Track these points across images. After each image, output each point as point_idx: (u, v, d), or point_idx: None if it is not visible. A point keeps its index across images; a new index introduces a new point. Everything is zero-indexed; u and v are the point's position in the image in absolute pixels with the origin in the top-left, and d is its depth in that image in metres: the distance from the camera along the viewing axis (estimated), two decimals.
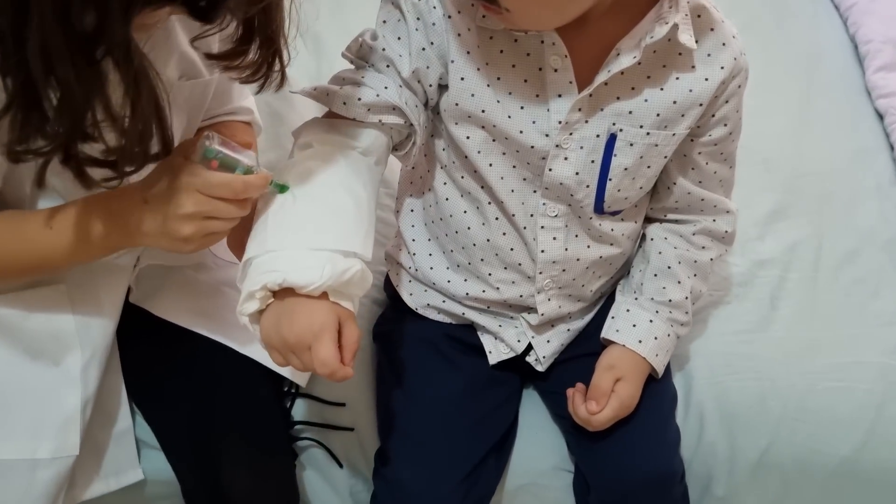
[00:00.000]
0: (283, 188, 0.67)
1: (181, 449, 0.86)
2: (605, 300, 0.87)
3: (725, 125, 0.77)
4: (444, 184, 0.79)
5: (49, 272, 0.76)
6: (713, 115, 0.75)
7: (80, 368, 0.78)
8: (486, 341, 0.85)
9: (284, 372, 0.86)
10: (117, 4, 0.49)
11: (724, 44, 0.73)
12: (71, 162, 0.60)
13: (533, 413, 0.88)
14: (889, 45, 1.25)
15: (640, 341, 0.79)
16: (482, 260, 0.80)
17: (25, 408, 0.77)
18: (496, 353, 0.84)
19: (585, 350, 0.84)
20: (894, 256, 1.00)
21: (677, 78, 0.72)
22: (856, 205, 1.06)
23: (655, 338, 0.79)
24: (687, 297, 0.81)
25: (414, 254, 0.84)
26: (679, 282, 0.81)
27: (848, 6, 1.37)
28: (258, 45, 0.65)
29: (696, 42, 0.70)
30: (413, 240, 0.84)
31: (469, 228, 0.79)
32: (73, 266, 0.76)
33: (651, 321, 0.80)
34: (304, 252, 0.63)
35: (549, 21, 0.66)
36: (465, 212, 0.79)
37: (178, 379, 0.85)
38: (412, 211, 0.84)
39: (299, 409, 0.88)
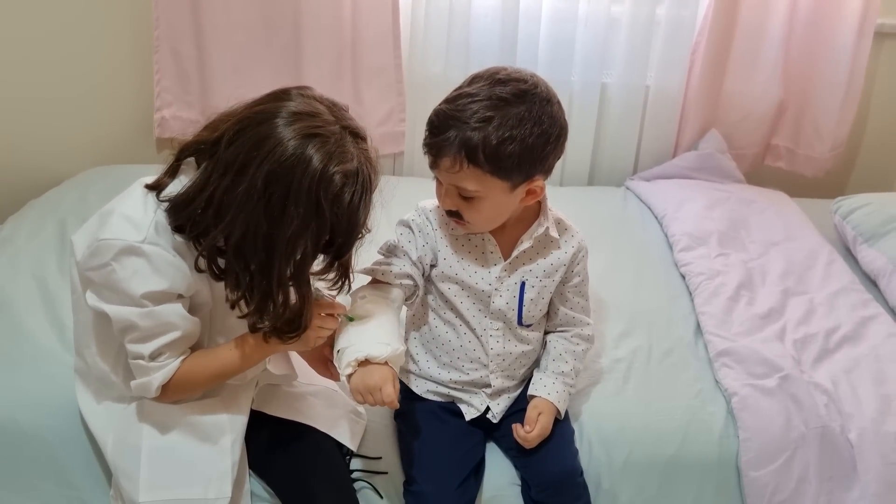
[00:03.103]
0: (350, 319, 1.31)
1: (287, 493, 1.38)
2: (528, 381, 1.50)
3: (579, 276, 1.47)
4: (434, 318, 1.45)
5: (223, 381, 1.33)
6: (572, 271, 1.46)
7: (230, 444, 1.30)
8: (462, 407, 1.46)
9: (344, 439, 1.41)
10: (308, 263, 1.17)
11: (572, 235, 1.45)
12: (274, 331, 1.23)
13: (493, 454, 1.47)
14: (685, 236, 2.03)
15: (548, 393, 1.43)
16: (458, 358, 1.44)
17: (200, 469, 1.28)
18: (468, 413, 1.46)
19: (518, 408, 1.46)
20: (693, 352, 1.69)
21: (552, 252, 1.42)
22: (671, 326, 1.76)
23: (557, 392, 1.43)
24: (571, 370, 1.46)
25: (417, 361, 1.48)
26: (566, 361, 1.46)
27: (662, 216, 2.18)
28: (337, 268, 1.25)
29: (558, 235, 1.42)
30: (416, 353, 1.49)
31: (450, 341, 1.44)
32: (238, 374, 1.34)
33: (553, 383, 1.44)
34: (374, 343, 1.27)
35: (487, 228, 1.36)
36: (446, 332, 1.44)
37: (282, 450, 1.38)
38: (415, 337, 1.49)
39: (354, 463, 1.44)
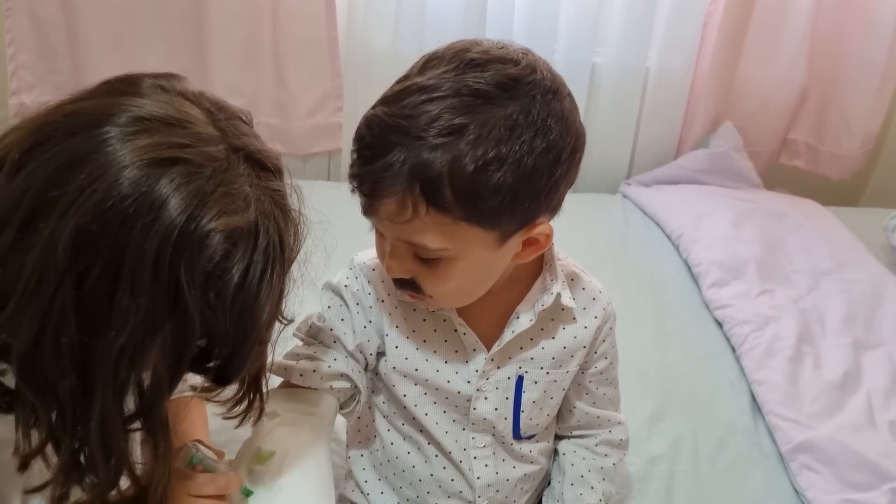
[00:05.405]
0: (248, 492, 0.79)
1: None
2: None
3: (606, 357, 0.97)
4: (388, 430, 0.94)
5: None
6: (595, 352, 0.96)
7: None
8: None
9: None
10: (163, 392, 0.64)
11: (594, 298, 0.95)
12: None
13: None
14: (715, 265, 1.56)
15: None
16: (428, 492, 0.93)
17: None
18: None
19: None
20: (755, 442, 1.21)
21: (564, 328, 0.92)
22: (716, 400, 1.28)
23: None
24: (601, 500, 0.97)
25: (367, 493, 0.97)
26: (592, 487, 0.97)
27: (677, 236, 1.69)
28: (241, 383, 0.73)
29: (574, 301, 0.92)
30: (365, 481, 0.97)
31: (414, 467, 0.93)
32: None
33: None
34: None
35: (461, 302, 0.85)
36: (408, 453, 0.93)
37: None
38: (361, 456, 0.98)
39: None
